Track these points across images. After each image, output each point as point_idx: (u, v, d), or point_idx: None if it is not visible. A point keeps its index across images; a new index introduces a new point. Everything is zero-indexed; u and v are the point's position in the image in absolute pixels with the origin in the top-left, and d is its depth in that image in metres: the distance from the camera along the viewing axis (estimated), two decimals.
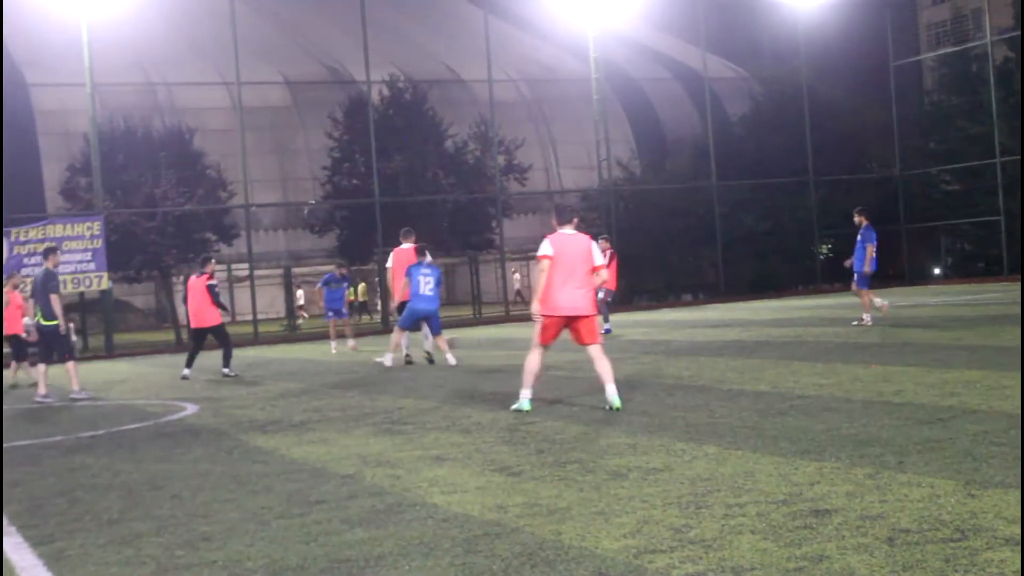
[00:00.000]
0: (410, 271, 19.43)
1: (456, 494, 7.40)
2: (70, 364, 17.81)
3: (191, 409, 14.53)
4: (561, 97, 50.41)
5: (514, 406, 11.70)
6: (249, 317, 38.19)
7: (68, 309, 37.12)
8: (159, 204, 36.78)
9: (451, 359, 19.17)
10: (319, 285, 27.33)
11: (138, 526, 7.07)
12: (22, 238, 32.41)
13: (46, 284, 17.32)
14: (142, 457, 10.22)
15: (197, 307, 20.73)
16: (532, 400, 11.67)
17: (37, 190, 42.75)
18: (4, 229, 32.17)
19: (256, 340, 35.26)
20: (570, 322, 11.52)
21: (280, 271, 45.58)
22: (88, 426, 13.35)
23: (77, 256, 32.77)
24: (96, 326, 40.05)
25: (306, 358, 25.20)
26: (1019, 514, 5.74)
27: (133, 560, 6.17)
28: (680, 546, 5.62)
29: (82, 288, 34.15)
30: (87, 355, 33.42)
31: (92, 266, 32.93)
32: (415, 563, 5.65)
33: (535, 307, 11.55)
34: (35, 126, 44.29)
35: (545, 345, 11.63)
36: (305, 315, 51.52)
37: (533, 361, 11.64)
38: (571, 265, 11.44)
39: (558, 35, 47.51)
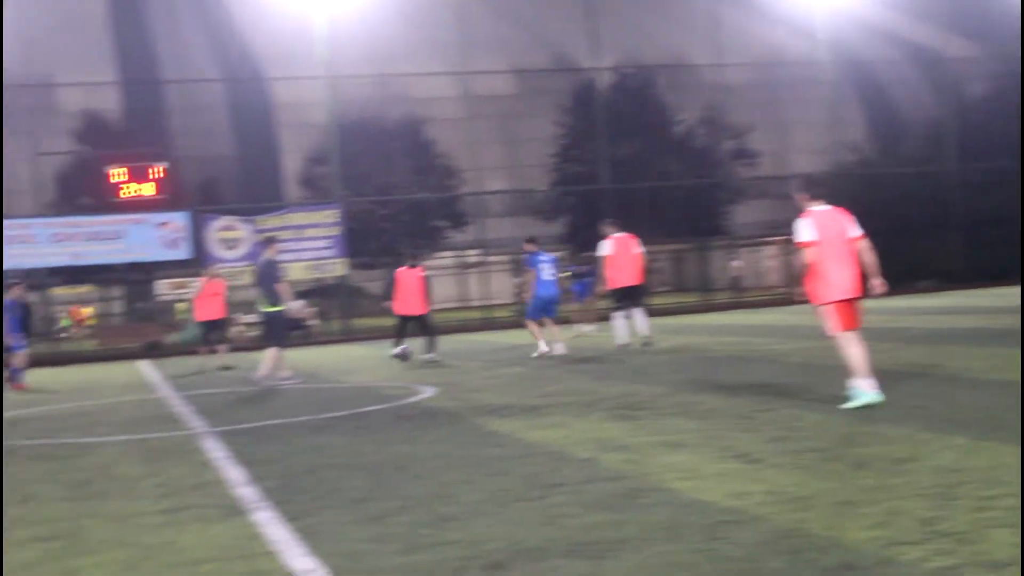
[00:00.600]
0: (533, 261, 20.74)
1: (695, 480, 7.37)
2: (272, 350, 17.99)
3: (428, 392, 14.86)
4: (791, 80, 49.48)
5: (857, 403, 10.31)
6: (480, 303, 38.79)
7: (307, 295, 38.54)
8: (393, 192, 37.72)
9: (559, 348, 20.42)
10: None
11: (383, 505, 7.27)
12: (264, 226, 33.70)
13: (271, 273, 17.95)
14: (384, 438, 10.51)
15: (407, 296, 21.10)
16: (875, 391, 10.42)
17: (277, 180, 44.36)
18: (246, 218, 33.48)
19: (487, 326, 35.83)
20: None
21: (509, 257, 46.12)
22: (331, 407, 13.79)
23: (316, 243, 33.90)
24: (334, 311, 41.35)
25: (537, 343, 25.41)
26: None
27: (380, 537, 6.35)
28: (931, 538, 5.48)
29: (321, 274, 35.31)
30: (325, 339, 34.53)
31: (330, 253, 34.00)
32: (658, 548, 5.66)
33: (803, 292, 10.84)
34: (275, 118, 45.90)
35: (851, 329, 10.56)
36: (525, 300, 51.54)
37: (855, 351, 10.49)
38: (835, 244, 10.58)
39: (787, 17, 46.64)
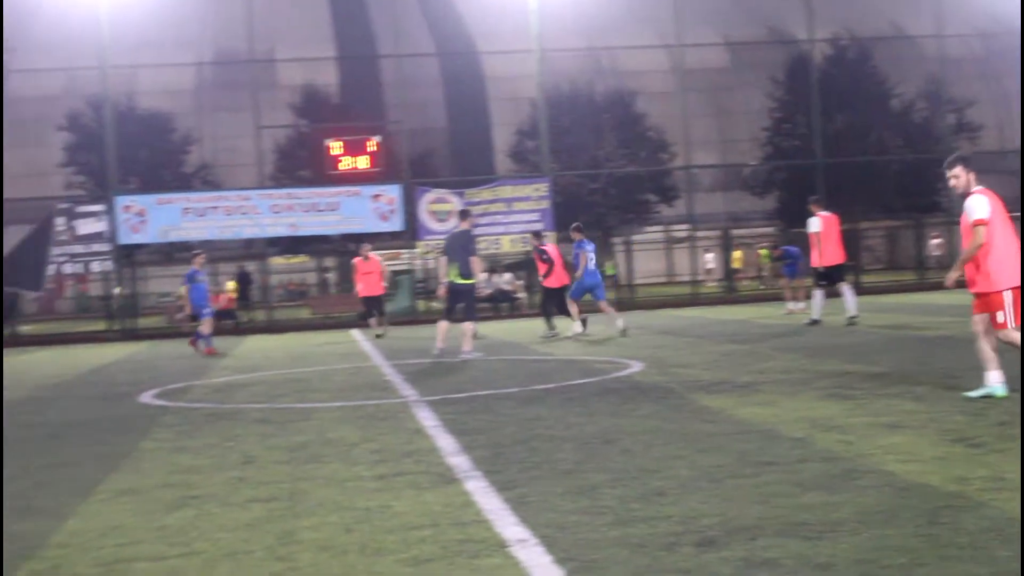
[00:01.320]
0: (583, 247, 22.32)
1: (913, 463, 7.15)
2: (468, 324, 18.03)
3: (637, 367, 14.81)
4: (1015, 51, 47.51)
5: (981, 391, 9.94)
6: (688, 278, 38.51)
7: (516, 268, 38.87)
8: (602, 166, 37.65)
9: (578, 327, 21.92)
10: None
11: (594, 477, 7.26)
12: (474, 199, 34.09)
13: (466, 245, 17.92)
14: (593, 411, 10.51)
15: (560, 270, 23.41)
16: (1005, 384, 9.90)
17: (487, 153, 44.81)
18: (457, 190, 33.93)
19: (695, 301, 35.57)
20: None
21: (719, 232, 45.65)
22: (539, 380, 13.88)
23: (525, 216, 34.10)
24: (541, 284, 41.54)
25: (745, 319, 25.15)
26: None
27: (591, 510, 6.35)
28: None
29: (529, 247, 35.53)
30: (533, 312, 34.76)
31: (539, 226, 34.13)
32: (875, 531, 5.51)
33: (953, 277, 10.15)
34: (486, 92, 46.38)
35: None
36: (715, 280, 50.60)
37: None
38: (1006, 224, 9.83)
39: None
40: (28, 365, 22.78)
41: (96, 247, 32.97)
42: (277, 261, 39.00)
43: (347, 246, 39.44)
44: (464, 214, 19.09)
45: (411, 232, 34.37)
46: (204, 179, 38.71)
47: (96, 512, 7.01)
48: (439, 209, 34.12)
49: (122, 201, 33.07)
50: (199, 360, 21.40)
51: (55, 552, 6.01)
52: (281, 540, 6.01)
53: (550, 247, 24.09)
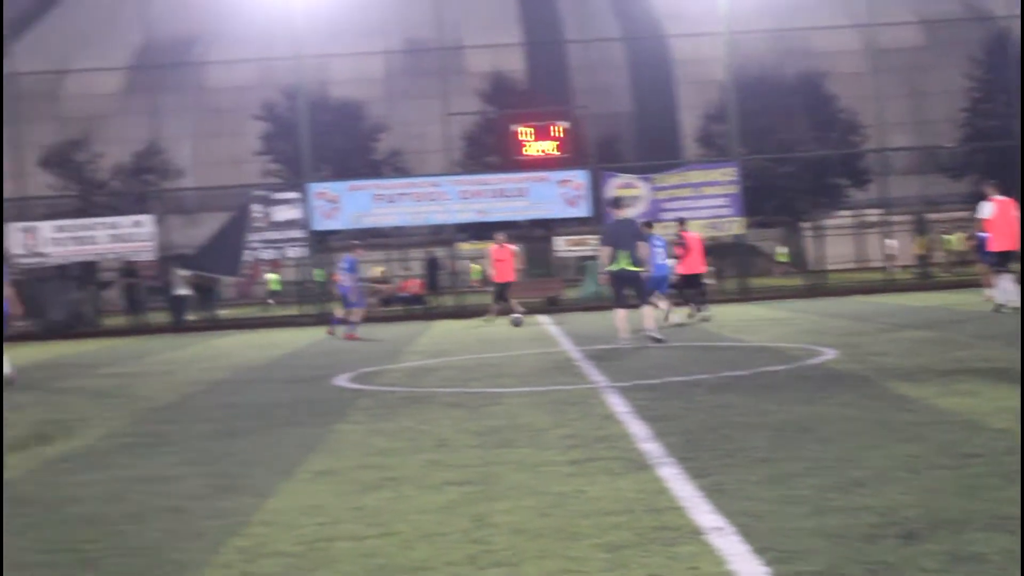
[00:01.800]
0: (653, 242, 22.22)
1: None
2: (646, 308, 18.17)
3: (830, 354, 14.52)
4: None
5: None
6: (880, 264, 37.61)
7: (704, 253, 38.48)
8: (792, 149, 37.02)
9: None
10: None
11: (788, 466, 7.14)
12: (661, 184, 33.91)
13: (635, 232, 18.07)
14: (786, 399, 10.34)
15: (694, 258, 24.21)
16: None
17: (674, 137, 44.48)
18: (644, 176, 33.76)
19: (888, 287, 34.74)
20: None
21: (912, 217, 44.43)
22: (731, 366, 13.73)
23: (713, 201, 33.79)
24: (730, 270, 41.19)
25: (940, 305, 24.44)
26: None
27: (787, 499, 6.24)
28: None
29: (717, 232, 35.19)
30: (721, 298, 34.47)
31: (727, 211, 33.80)
32: None
33: None
34: (673, 75, 46.02)
35: None
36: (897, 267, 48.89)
37: None
38: None
39: None
40: (227, 348, 23.52)
41: (290, 233, 33.87)
42: (465, 247, 39.41)
43: (534, 232, 39.69)
44: (618, 202, 19.49)
45: (598, 218, 34.36)
46: (394, 166, 39.39)
47: (297, 492, 7.20)
48: (626, 194, 34.03)
49: (315, 188, 33.91)
50: (391, 344, 21.80)
51: (259, 530, 6.19)
52: (476, 523, 6.07)
53: (690, 235, 24.80)
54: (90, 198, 37.48)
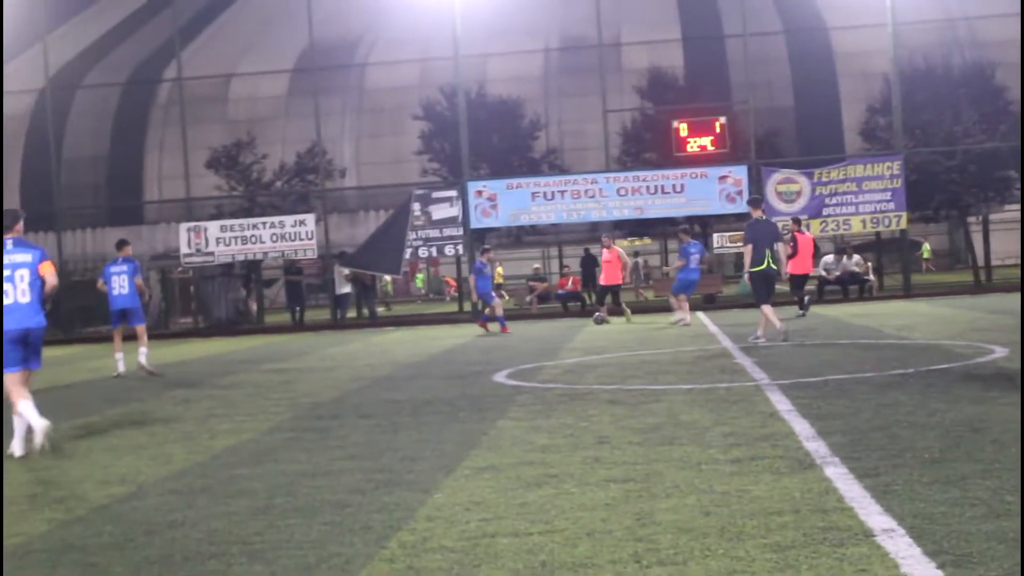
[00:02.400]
0: (686, 250, 25.41)
1: None
2: (765, 307, 18.27)
3: (1000, 352, 14.08)
4: None
5: None
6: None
7: (865, 249, 37.73)
8: (959, 142, 35.97)
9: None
10: None
11: (962, 467, 6.93)
12: (823, 179, 33.31)
13: (777, 233, 18.94)
14: (956, 398, 10.05)
15: (803, 258, 25.64)
16: None
17: (836, 131, 43.56)
18: (805, 171, 33.25)
19: None
20: None
21: None
22: (896, 364, 13.41)
23: (876, 196, 33.08)
24: (892, 266, 40.31)
25: None
26: None
27: (961, 501, 6.05)
28: None
29: (879, 228, 34.46)
30: (883, 295, 33.76)
31: (891, 206, 33.05)
32: None
33: None
34: (835, 68, 45.11)
35: None
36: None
37: None
38: None
39: None
40: (387, 345, 23.83)
41: (449, 231, 34.16)
42: (622, 244, 39.24)
43: (693, 228, 39.39)
44: (756, 202, 19.67)
45: None
46: (551, 163, 39.36)
47: (460, 487, 7.23)
48: (787, 190, 33.52)
49: (474, 186, 34.15)
50: (548, 341, 21.85)
51: (423, 524, 6.23)
52: (639, 520, 6.02)
53: (802, 236, 26.39)
54: (255, 198, 38.33)
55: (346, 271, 35.39)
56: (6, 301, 10.34)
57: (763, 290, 18.39)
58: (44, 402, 14.74)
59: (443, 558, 5.48)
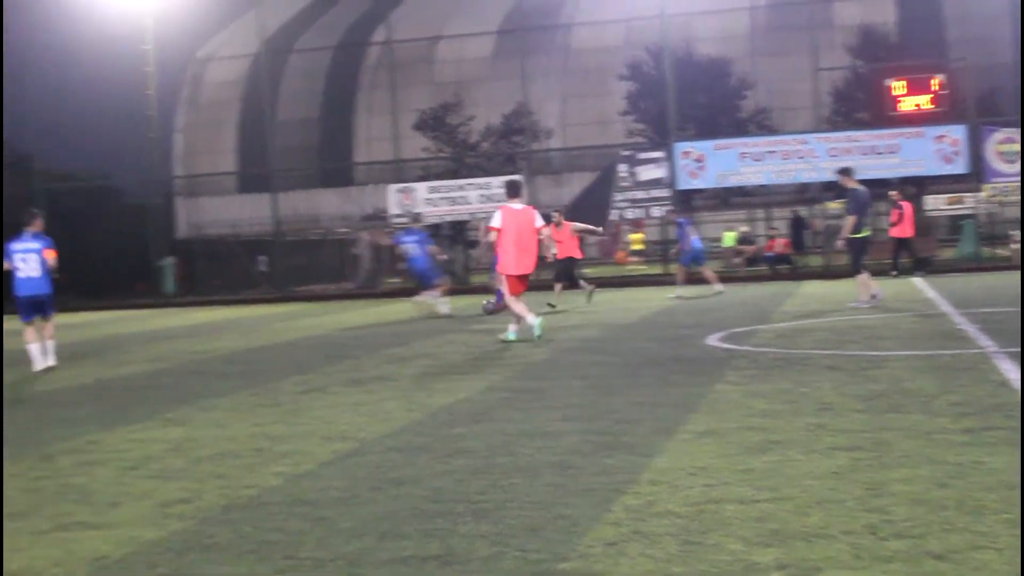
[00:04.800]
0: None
1: None
2: (861, 276, 19.22)
3: None
4: None
5: None
6: None
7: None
8: None
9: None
10: None
11: None
12: None
13: (869, 201, 19.64)
14: None
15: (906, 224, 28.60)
16: None
17: None
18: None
19: None
20: None
21: None
22: None
23: None
24: None
25: None
26: None
27: None
28: None
29: None
30: None
31: None
32: None
33: None
34: None
35: None
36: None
37: None
38: None
39: None
40: (594, 306, 23.79)
41: (655, 193, 33.91)
42: (832, 206, 38.31)
43: (906, 190, 38.24)
44: (849, 172, 19.94)
45: (976, 175, 32.73)
46: (760, 124, 38.66)
47: (681, 452, 7.14)
48: (1007, 150, 32.24)
49: (681, 147, 33.81)
50: (759, 305, 21.52)
51: (647, 488, 6.16)
52: (871, 491, 5.83)
53: (907, 203, 29.10)
54: (462, 160, 38.74)
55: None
56: (20, 275, 15.19)
57: (862, 256, 19.40)
58: (267, 359, 15.25)
59: (670, 523, 5.40)
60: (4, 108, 41.57)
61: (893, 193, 29.09)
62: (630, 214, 35.06)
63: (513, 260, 15.62)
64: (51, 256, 15.33)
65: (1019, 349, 11.33)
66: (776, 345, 13.54)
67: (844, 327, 15.62)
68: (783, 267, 35.07)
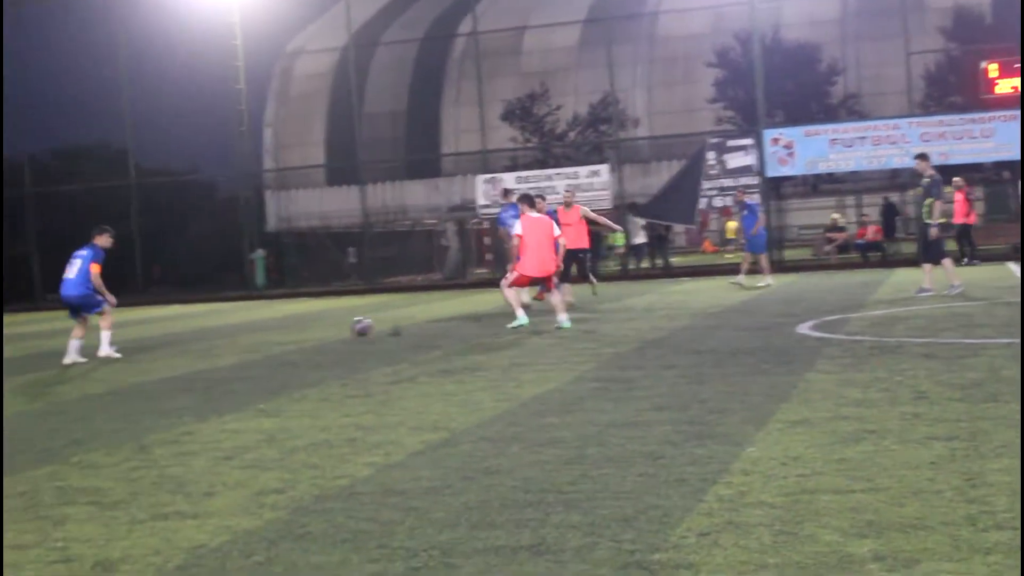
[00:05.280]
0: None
1: None
2: (945, 261, 19.12)
3: None
4: None
5: None
6: None
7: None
8: None
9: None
10: None
11: None
12: None
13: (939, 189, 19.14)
14: None
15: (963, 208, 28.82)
16: None
17: None
18: None
19: None
20: None
21: None
22: None
23: None
24: None
25: None
26: None
27: None
28: None
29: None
30: None
31: None
32: None
33: None
34: None
35: None
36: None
37: None
38: None
39: None
40: (683, 295, 23.68)
41: (744, 180, 33.61)
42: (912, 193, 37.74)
43: (1000, 174, 37.54)
44: (927, 156, 19.80)
45: None
46: (850, 109, 38.20)
47: (773, 441, 7.07)
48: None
49: (770, 134, 33.47)
50: (851, 292, 21.26)
51: (740, 478, 6.10)
52: (969, 481, 5.72)
53: (961, 191, 28.77)
54: (549, 149, 38.75)
55: (641, 221, 35.39)
56: (64, 277, 16.22)
57: (943, 245, 19.44)
58: (356, 350, 15.36)
59: (764, 513, 5.34)
60: (111, 107, 42.32)
61: (957, 180, 28.54)
62: (718, 202, 34.78)
63: (532, 263, 16.92)
64: (94, 269, 16.20)
65: None
66: (869, 333, 13.36)
67: (939, 314, 15.37)
68: (874, 254, 34.61)
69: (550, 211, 19.99)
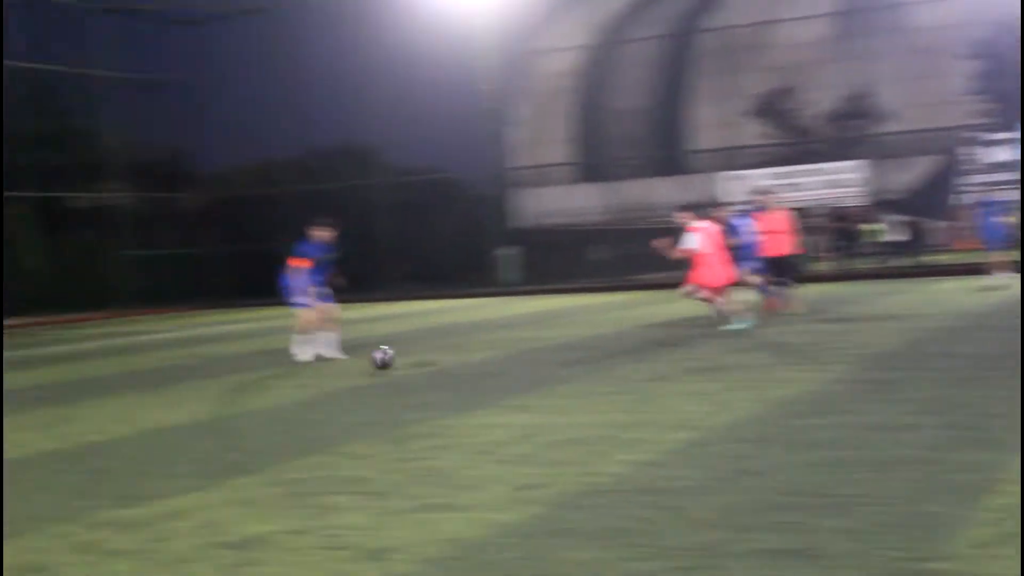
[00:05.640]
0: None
1: None
2: None
3: None
4: None
5: None
6: None
7: None
8: None
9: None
10: None
11: None
12: None
13: None
14: None
15: None
16: None
17: None
18: None
19: None
20: None
21: None
22: None
23: None
24: None
25: None
26: None
27: None
28: None
29: None
30: None
31: None
32: None
33: None
34: None
35: None
36: None
37: None
38: None
39: None
40: (942, 294, 22.85)
41: (999, 176, 32.26)
42: None
43: None
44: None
45: None
46: None
47: None
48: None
49: None
50: None
51: (1015, 487, 5.81)
52: None
53: None
54: (799, 145, 38.00)
55: (898, 218, 34.40)
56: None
57: None
58: (606, 347, 15.38)
59: None
60: (347, 107, 43.53)
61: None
62: (973, 199, 33.50)
63: (713, 272, 17.43)
64: (294, 264, 16.35)
65: None
66: None
67: None
68: None
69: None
